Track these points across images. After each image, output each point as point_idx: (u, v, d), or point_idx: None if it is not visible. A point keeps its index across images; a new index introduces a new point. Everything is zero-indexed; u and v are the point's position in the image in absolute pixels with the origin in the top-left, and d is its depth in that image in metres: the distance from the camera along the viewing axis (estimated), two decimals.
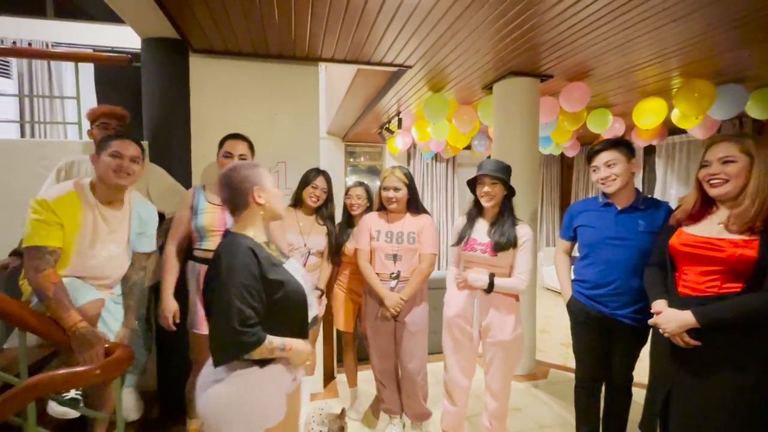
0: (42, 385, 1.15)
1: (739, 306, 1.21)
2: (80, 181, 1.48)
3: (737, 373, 1.22)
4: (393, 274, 1.94)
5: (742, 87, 2.92)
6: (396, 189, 1.95)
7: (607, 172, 1.65)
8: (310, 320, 1.23)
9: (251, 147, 1.97)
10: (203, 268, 1.73)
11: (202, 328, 1.75)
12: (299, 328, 1.19)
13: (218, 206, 1.80)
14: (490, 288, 1.72)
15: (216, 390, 1.07)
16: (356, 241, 2.07)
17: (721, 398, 1.24)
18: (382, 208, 2.05)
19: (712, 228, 1.31)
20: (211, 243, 1.76)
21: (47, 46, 4.20)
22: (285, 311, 1.14)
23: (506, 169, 1.79)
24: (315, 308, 1.28)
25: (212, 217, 1.78)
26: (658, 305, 1.39)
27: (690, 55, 2.47)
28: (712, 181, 1.29)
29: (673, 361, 1.36)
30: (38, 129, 4.27)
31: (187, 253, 1.86)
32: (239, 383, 1.08)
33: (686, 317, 1.27)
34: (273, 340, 1.10)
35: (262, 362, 1.11)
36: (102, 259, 1.48)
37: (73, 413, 1.37)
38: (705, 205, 1.35)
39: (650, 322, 1.40)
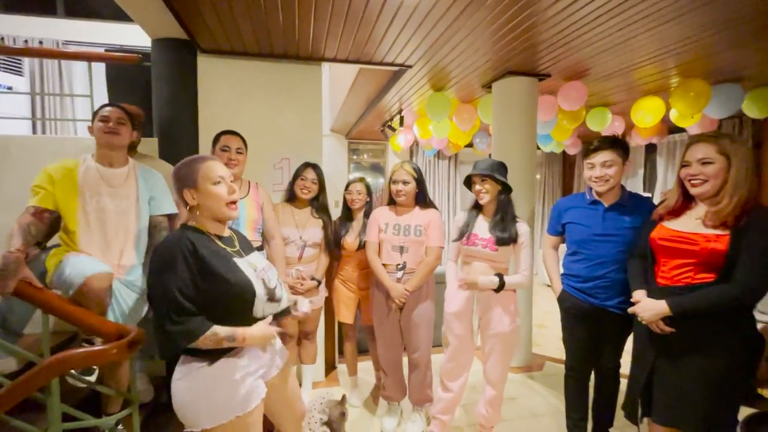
0: (63, 362, 1.24)
1: (708, 297, 1.29)
2: (85, 155, 1.67)
3: (707, 355, 1.32)
4: (399, 265, 2.01)
5: (738, 87, 2.96)
6: (405, 182, 2.02)
7: (602, 172, 1.69)
8: (265, 313, 1.21)
9: (245, 142, 2.04)
10: None
11: None
12: (241, 320, 1.16)
13: None
14: (500, 288, 1.79)
15: (176, 387, 1.12)
16: (366, 234, 2.14)
17: (696, 377, 1.33)
18: (391, 202, 2.12)
19: (689, 223, 1.38)
20: None
21: (58, 44, 4.31)
22: (225, 303, 1.12)
23: (496, 166, 1.84)
24: (284, 301, 1.29)
25: None
26: (638, 295, 1.48)
27: (686, 55, 2.51)
28: (692, 181, 1.36)
29: (652, 347, 1.45)
30: (49, 126, 4.39)
31: None
32: (193, 378, 1.10)
33: (661, 306, 1.36)
34: (218, 331, 1.08)
35: (214, 357, 1.11)
36: (106, 215, 1.60)
37: (86, 379, 1.48)
38: (685, 202, 1.43)
39: (629, 310, 1.49)
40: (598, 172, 1.71)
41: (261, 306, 1.18)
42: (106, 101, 3.99)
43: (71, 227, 1.56)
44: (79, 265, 1.46)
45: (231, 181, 1.21)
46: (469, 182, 1.91)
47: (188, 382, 1.11)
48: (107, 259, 1.58)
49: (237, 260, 1.18)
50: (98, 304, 1.47)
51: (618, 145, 1.70)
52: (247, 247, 1.29)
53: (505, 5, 1.92)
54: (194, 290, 1.08)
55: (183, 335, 1.05)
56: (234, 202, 1.20)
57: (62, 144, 2.41)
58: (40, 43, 4.24)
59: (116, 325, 1.39)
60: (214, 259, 1.12)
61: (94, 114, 1.68)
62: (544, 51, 2.49)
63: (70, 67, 4.33)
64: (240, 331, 1.12)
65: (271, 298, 1.21)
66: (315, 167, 2.25)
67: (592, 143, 1.75)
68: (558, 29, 2.18)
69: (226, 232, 1.26)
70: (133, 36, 4.31)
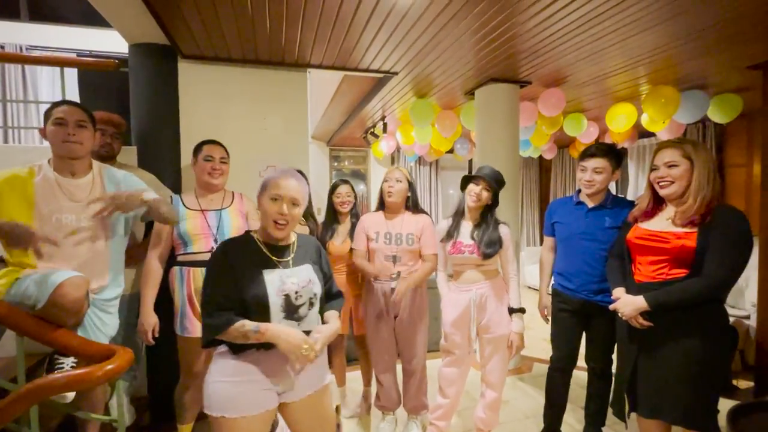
0: (43, 389, 1.15)
1: (681, 290, 1.37)
2: (40, 161, 1.45)
3: (684, 346, 1.38)
4: (393, 275, 1.98)
5: (704, 93, 3.15)
6: (398, 180, 2.01)
7: (591, 177, 1.79)
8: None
9: (227, 152, 1.98)
10: (193, 271, 1.76)
11: (195, 331, 1.76)
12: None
13: (197, 211, 1.83)
14: (522, 310, 1.89)
15: (210, 368, 1.23)
16: (354, 242, 2.11)
17: (675, 368, 1.40)
18: (381, 207, 2.11)
19: (661, 223, 1.48)
20: (197, 246, 1.78)
21: (21, 49, 4.09)
22: (247, 310, 1.17)
23: (501, 182, 1.89)
24: (308, 322, 1.25)
25: (195, 223, 1.80)
26: (617, 292, 1.55)
27: (656, 64, 2.65)
28: (660, 183, 1.45)
29: (633, 342, 1.52)
30: (12, 134, 4.14)
31: (170, 260, 1.84)
32: (213, 364, 1.22)
33: (639, 301, 1.43)
34: (246, 323, 1.14)
35: (234, 351, 1.20)
36: (68, 231, 1.40)
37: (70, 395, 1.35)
38: (657, 204, 1.52)
39: (611, 307, 1.55)
40: (588, 176, 1.80)
41: (277, 322, 1.18)
42: None
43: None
44: (48, 275, 1.29)
45: (293, 203, 1.23)
46: (467, 181, 1.91)
47: (212, 366, 1.23)
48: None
49: (267, 272, 1.20)
50: (74, 314, 1.31)
51: (612, 154, 1.79)
52: (302, 259, 1.29)
53: (489, 16, 1.97)
54: (227, 290, 1.18)
55: (212, 328, 1.15)
56: (280, 224, 1.22)
57: (33, 153, 2.27)
58: (2, 47, 4.01)
59: (101, 345, 1.30)
60: (244, 269, 1.20)
61: (47, 114, 1.42)
62: (525, 59, 2.57)
63: (35, 72, 4.12)
64: (263, 325, 1.16)
65: (290, 315, 1.20)
66: (298, 172, 2.21)
67: (589, 148, 1.83)
68: (539, 39, 2.26)
69: (289, 240, 1.31)
70: (103, 41, 4.16)
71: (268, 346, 1.18)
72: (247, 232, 1.29)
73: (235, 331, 1.14)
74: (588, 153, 1.81)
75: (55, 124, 1.40)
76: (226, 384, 1.17)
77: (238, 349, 1.19)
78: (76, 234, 1.43)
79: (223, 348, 1.22)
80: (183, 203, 1.85)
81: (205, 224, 1.81)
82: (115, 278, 1.58)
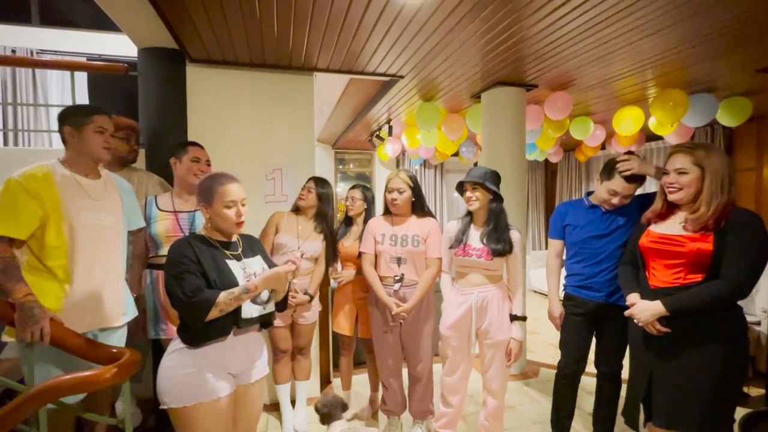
0: (52, 391, 1.16)
1: (701, 294, 1.34)
2: (47, 161, 1.46)
3: (704, 351, 1.36)
4: (396, 277, 1.97)
5: (713, 96, 3.12)
6: (399, 191, 1.99)
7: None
8: (253, 315, 1.30)
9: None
10: (161, 274, 1.75)
11: (173, 333, 1.73)
12: (232, 318, 1.26)
13: (170, 212, 1.82)
14: (523, 318, 1.87)
15: (161, 364, 1.25)
16: (362, 245, 2.11)
17: (696, 376, 1.36)
18: (387, 211, 2.10)
19: (674, 227, 1.46)
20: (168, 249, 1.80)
21: (32, 53, 4.15)
22: None
23: (488, 175, 1.83)
24: (270, 306, 1.36)
25: (166, 225, 1.80)
26: (632, 298, 1.52)
27: (664, 67, 2.63)
28: (669, 189, 1.44)
29: (649, 349, 1.48)
30: (21, 137, 4.19)
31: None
32: (171, 358, 1.24)
33: (657, 307, 1.40)
34: (232, 290, 1.21)
35: (194, 342, 1.23)
36: (92, 229, 1.44)
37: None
38: (670, 207, 1.50)
39: (626, 313, 1.52)
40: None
41: (246, 307, 1.28)
42: None
43: (53, 242, 1.35)
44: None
45: (242, 204, 1.33)
46: (461, 189, 1.91)
47: (167, 361, 1.24)
48: (88, 282, 1.43)
49: (230, 262, 1.31)
50: None
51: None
52: (250, 251, 1.41)
53: (496, 20, 1.97)
54: (202, 273, 1.23)
55: (199, 307, 1.18)
56: (241, 223, 1.33)
57: (44, 157, 2.28)
58: (13, 51, 4.07)
59: (108, 347, 1.31)
60: (209, 262, 1.26)
61: (81, 117, 1.45)
62: (532, 63, 2.56)
63: (45, 76, 4.17)
64: (249, 283, 1.25)
65: (254, 300, 1.30)
66: (315, 179, 2.22)
67: (617, 159, 1.78)
68: (545, 42, 2.25)
69: (233, 238, 1.39)
70: (113, 45, 4.21)
71: (225, 336, 1.27)
72: (194, 235, 1.34)
73: (225, 302, 1.19)
74: (628, 178, 1.72)
75: (96, 131, 1.46)
76: (185, 376, 1.20)
77: (198, 343, 1.23)
78: (98, 232, 1.47)
79: (179, 344, 1.25)
80: (156, 205, 1.84)
81: (177, 226, 1.80)
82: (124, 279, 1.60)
